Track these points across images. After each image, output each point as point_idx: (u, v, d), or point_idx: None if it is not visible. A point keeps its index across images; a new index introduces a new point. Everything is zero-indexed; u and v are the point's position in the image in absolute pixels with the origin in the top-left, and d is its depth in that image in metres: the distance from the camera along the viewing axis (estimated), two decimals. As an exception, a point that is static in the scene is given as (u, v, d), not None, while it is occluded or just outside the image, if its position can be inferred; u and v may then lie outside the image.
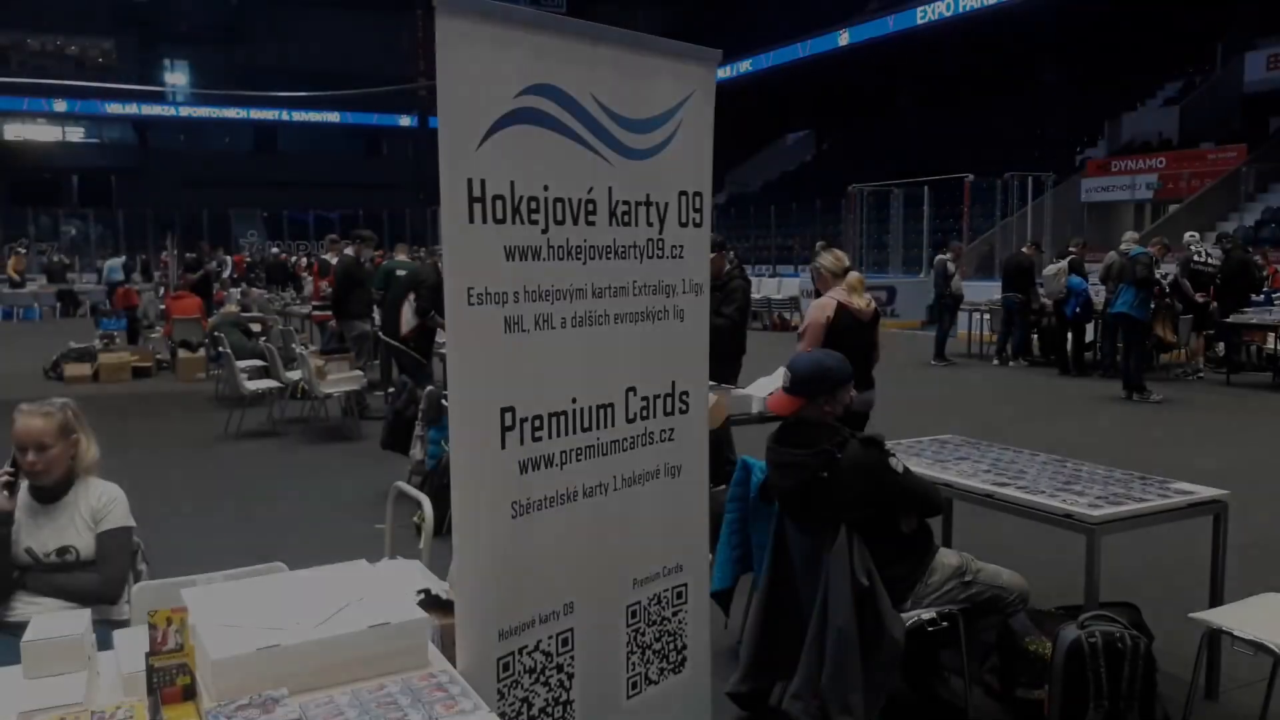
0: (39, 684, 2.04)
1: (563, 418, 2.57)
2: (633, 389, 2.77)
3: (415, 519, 5.62)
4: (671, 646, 2.95)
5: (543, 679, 2.54)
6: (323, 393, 9.78)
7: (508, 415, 2.43)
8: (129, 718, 1.77)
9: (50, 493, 3.14)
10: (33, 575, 3.10)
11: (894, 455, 3.69)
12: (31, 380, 13.56)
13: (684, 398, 2.91)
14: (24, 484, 3.11)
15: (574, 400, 2.60)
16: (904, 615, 3.54)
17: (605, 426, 2.69)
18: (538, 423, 2.51)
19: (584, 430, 2.63)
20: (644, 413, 2.80)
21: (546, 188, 2.49)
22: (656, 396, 2.83)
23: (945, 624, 3.60)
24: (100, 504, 3.16)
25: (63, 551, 3.12)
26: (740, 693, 3.74)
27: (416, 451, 6.76)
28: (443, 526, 4.26)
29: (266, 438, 9.86)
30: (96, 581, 3.10)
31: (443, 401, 6.47)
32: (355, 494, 7.44)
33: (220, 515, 6.93)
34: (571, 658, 2.62)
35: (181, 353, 14.16)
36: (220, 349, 11.05)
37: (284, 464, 8.79)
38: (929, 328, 16.51)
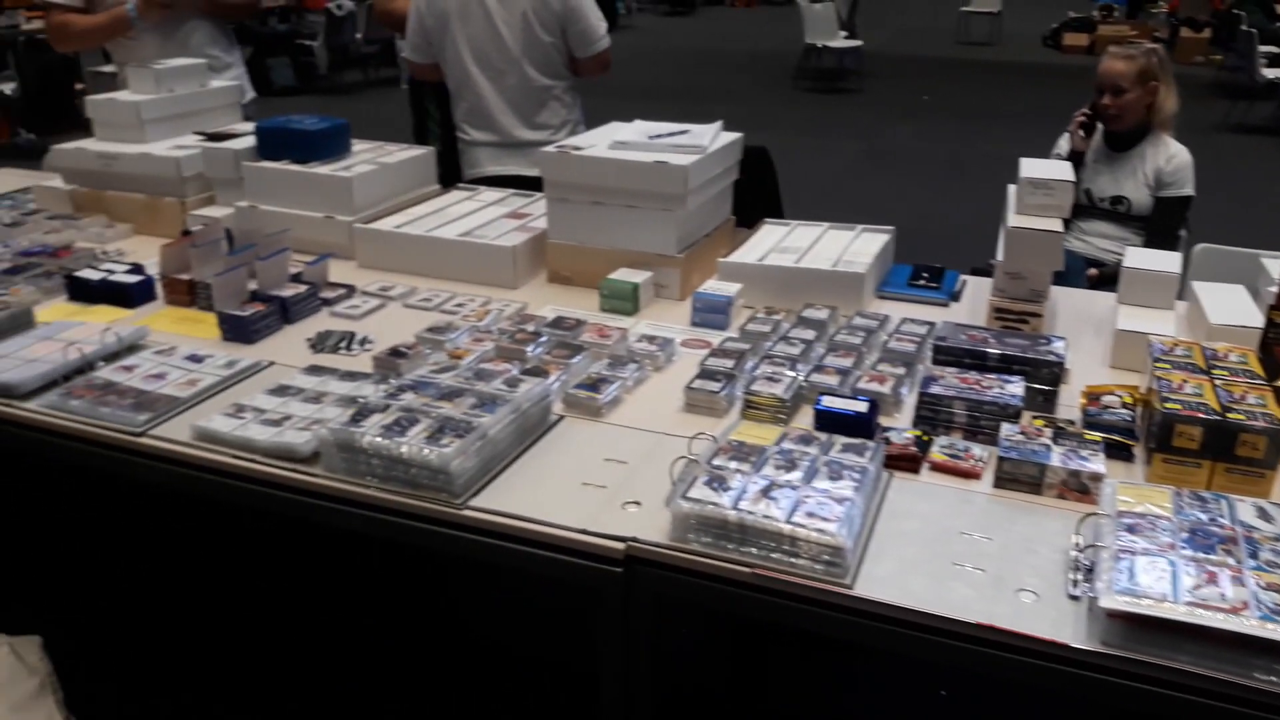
0: (1131, 309, 2.12)
1: None
2: None
3: None
4: None
5: None
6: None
7: None
8: (1242, 361, 1.72)
9: (1121, 140, 3.17)
10: (1084, 215, 3.24)
11: None
12: (1030, 46, 14.07)
13: None
14: (1100, 128, 3.18)
15: None
16: None
17: None
18: None
19: None
20: None
21: None
22: None
23: None
24: (1168, 167, 3.10)
25: (1116, 200, 3.17)
26: None
27: None
28: None
29: (1270, 135, 8.87)
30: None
31: None
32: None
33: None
34: None
35: (1184, 31, 13.23)
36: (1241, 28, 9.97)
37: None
38: None
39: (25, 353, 1.90)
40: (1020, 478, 1.55)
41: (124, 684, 2.23)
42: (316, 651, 2.18)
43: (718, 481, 1.41)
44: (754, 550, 1.35)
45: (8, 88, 8.21)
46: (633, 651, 1.47)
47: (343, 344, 1.98)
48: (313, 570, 2.09)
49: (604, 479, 1.55)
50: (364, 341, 1.99)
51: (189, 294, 2.17)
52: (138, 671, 2.26)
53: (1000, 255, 2.09)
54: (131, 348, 1.93)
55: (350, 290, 2.23)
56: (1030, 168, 2.15)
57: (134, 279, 2.21)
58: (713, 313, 2.13)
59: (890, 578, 1.33)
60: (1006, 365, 1.81)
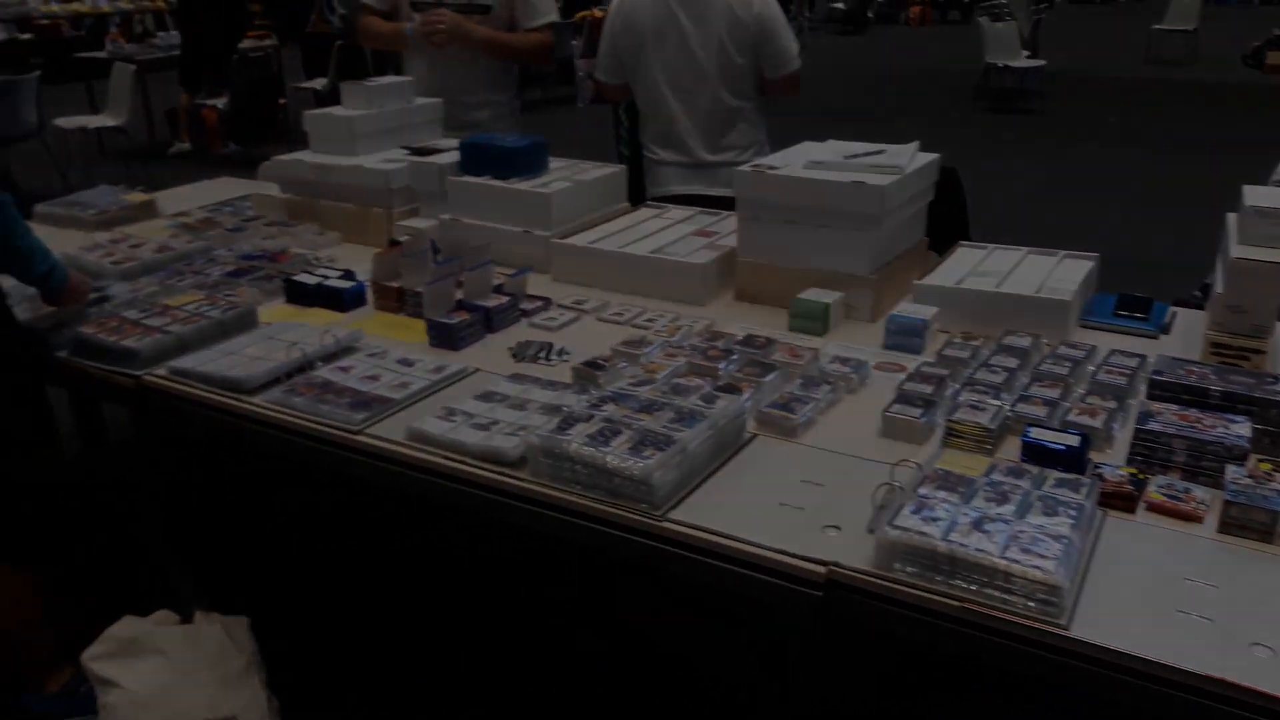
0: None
1: None
2: None
3: None
4: None
5: None
6: None
7: None
8: None
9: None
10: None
11: None
12: (1229, 66, 13.27)
13: None
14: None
15: None
16: None
17: None
18: None
19: None
20: None
21: None
22: None
23: None
24: None
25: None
26: None
27: None
28: None
29: None
30: None
31: None
32: None
33: None
34: None
35: None
36: None
37: None
38: None
39: (251, 350, 2.04)
40: (1249, 524, 1.45)
41: (323, 670, 2.35)
42: (500, 649, 2.24)
43: (925, 510, 1.38)
44: (963, 584, 1.31)
45: (221, 102, 8.83)
46: (829, 674, 1.45)
47: (542, 354, 2.04)
48: (503, 572, 2.15)
49: (801, 500, 1.54)
50: (561, 352, 2.05)
51: (398, 300, 2.27)
52: (337, 659, 2.38)
53: (1219, 287, 1.98)
54: (347, 349, 2.04)
55: (547, 303, 2.30)
56: (1256, 195, 2.03)
57: (347, 284, 2.34)
58: (907, 335, 2.08)
59: (1108, 621, 1.27)
60: (1230, 404, 1.71)
